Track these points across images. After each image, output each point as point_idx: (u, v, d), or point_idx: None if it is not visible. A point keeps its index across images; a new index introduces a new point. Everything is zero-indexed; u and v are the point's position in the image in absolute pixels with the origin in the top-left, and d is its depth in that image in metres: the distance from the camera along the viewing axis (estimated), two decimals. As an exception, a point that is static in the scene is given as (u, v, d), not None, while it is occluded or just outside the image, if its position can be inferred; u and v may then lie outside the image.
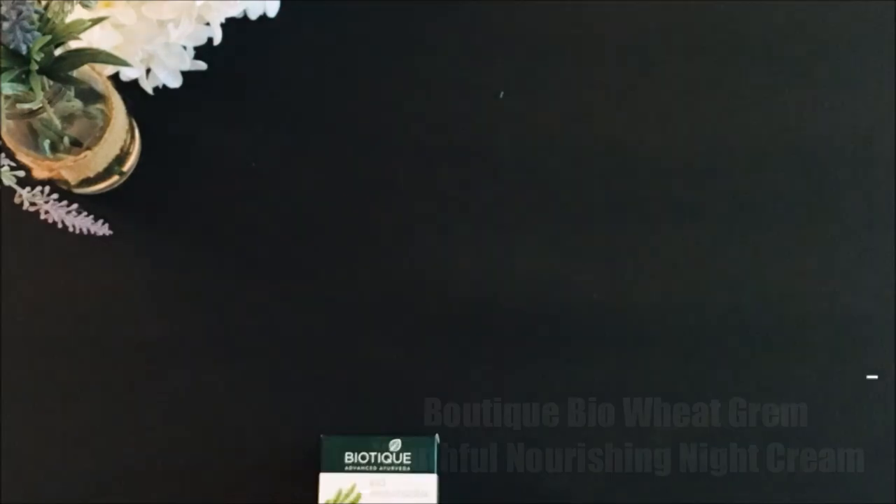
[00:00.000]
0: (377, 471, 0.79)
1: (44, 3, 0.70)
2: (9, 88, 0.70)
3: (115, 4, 0.81)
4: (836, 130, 0.89)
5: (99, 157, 0.83)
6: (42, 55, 0.70)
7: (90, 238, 0.77)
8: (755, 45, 0.91)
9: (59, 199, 0.73)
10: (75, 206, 0.73)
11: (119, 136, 0.84)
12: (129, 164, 0.87)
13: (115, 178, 0.87)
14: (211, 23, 0.85)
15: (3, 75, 0.69)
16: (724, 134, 0.89)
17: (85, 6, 0.70)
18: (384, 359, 0.86)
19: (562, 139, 0.90)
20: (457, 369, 0.85)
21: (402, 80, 0.92)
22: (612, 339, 0.86)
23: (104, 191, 0.87)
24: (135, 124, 0.88)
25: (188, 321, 0.86)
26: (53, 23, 0.70)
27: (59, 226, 0.73)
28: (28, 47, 0.69)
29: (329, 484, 0.79)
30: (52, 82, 0.73)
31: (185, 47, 0.87)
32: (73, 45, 0.73)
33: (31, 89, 0.70)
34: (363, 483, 0.78)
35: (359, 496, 0.78)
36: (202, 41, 0.86)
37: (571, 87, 0.91)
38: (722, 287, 0.86)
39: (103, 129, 0.82)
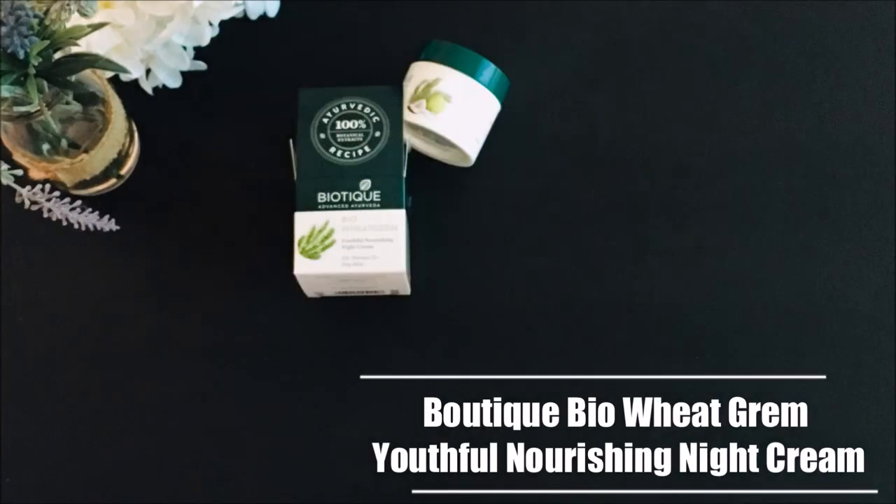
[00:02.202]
0: (349, 208, 0.82)
1: (43, 8, 0.71)
2: (6, 91, 0.70)
3: (114, 5, 0.81)
4: (836, 130, 0.89)
5: (95, 161, 0.83)
6: (40, 59, 0.70)
7: (90, 239, 0.77)
8: (755, 46, 0.91)
9: (61, 197, 0.73)
10: (79, 202, 0.73)
11: (117, 139, 0.84)
12: (128, 167, 0.87)
13: (113, 181, 0.87)
14: (211, 22, 0.85)
15: (2, 78, 0.70)
16: (724, 134, 0.89)
17: (83, 15, 0.70)
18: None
19: (561, 139, 0.90)
20: (457, 369, 0.85)
21: (402, 79, 0.91)
22: (612, 339, 0.86)
23: (101, 193, 0.87)
24: (134, 128, 0.87)
25: (187, 322, 0.86)
26: (52, 28, 0.70)
27: (64, 223, 0.73)
28: (26, 52, 0.69)
29: (303, 221, 0.82)
30: (49, 86, 0.73)
31: (185, 47, 0.87)
32: (72, 49, 0.73)
33: (28, 93, 0.70)
34: (335, 220, 0.81)
35: (331, 231, 0.81)
36: (202, 41, 0.86)
37: (572, 87, 0.91)
38: (722, 287, 0.86)
39: (101, 132, 0.82)
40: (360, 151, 0.83)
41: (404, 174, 0.83)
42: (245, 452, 0.84)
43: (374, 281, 0.83)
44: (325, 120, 0.84)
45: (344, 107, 0.85)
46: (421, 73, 0.85)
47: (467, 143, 0.85)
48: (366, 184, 0.82)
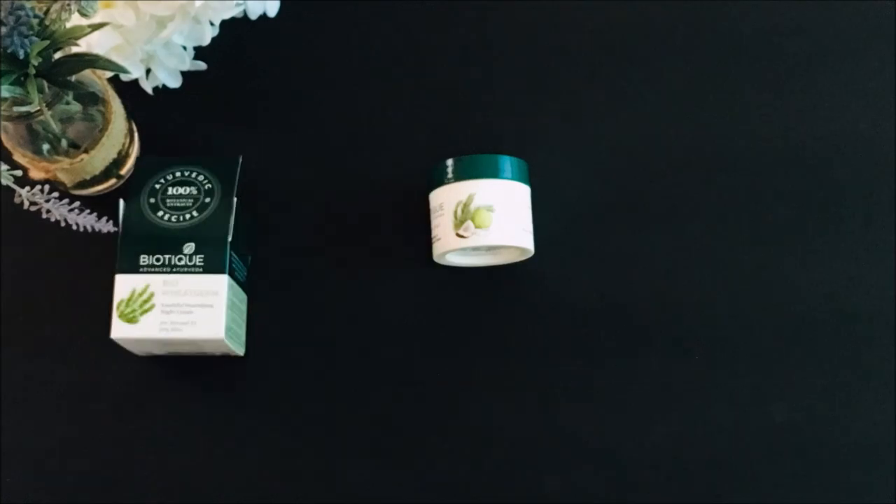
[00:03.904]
0: (171, 271, 0.80)
1: (44, 8, 0.70)
2: (6, 91, 0.70)
3: (114, 5, 0.81)
4: (836, 130, 0.89)
5: (96, 161, 0.83)
6: (40, 59, 0.70)
7: (90, 239, 0.77)
8: (755, 45, 0.91)
9: (60, 198, 0.73)
10: (77, 203, 0.73)
11: (117, 139, 0.84)
12: (128, 167, 0.87)
13: (113, 181, 0.87)
14: (211, 22, 0.85)
15: (2, 78, 0.70)
16: (725, 134, 0.89)
17: (83, 15, 0.70)
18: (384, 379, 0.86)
19: (561, 138, 0.90)
20: (456, 368, 0.85)
21: (402, 79, 0.92)
22: (613, 339, 0.86)
23: (101, 193, 0.87)
24: (135, 128, 0.87)
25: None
26: (52, 28, 0.70)
27: (63, 224, 0.73)
28: (26, 52, 0.69)
29: (123, 284, 0.80)
30: (49, 86, 0.73)
31: (185, 47, 0.87)
32: (72, 49, 0.73)
33: (28, 93, 0.70)
34: (156, 283, 0.80)
35: (151, 295, 0.80)
36: (202, 41, 0.86)
37: (571, 87, 0.91)
38: (722, 287, 0.86)
39: (101, 133, 0.82)
40: (187, 216, 0.82)
41: (230, 238, 0.81)
42: (245, 453, 0.84)
43: (198, 345, 0.81)
44: (158, 186, 0.83)
45: (178, 174, 0.83)
46: (448, 197, 0.83)
47: (526, 240, 0.84)
48: (189, 247, 0.80)
